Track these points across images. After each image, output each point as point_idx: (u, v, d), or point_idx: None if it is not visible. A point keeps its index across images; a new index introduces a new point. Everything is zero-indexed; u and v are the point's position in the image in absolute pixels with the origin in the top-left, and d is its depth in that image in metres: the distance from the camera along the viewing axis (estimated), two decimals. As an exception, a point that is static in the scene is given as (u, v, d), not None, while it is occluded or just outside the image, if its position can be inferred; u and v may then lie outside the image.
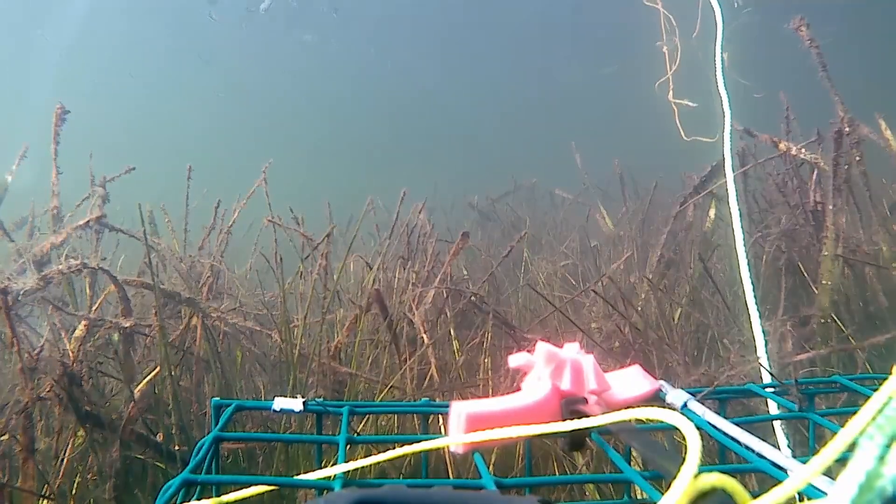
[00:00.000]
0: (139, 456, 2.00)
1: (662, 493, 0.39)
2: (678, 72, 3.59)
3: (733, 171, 1.82)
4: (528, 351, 0.75)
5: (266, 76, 25.24)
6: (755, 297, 1.54)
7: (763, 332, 1.48)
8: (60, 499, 1.82)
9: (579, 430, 0.62)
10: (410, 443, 0.69)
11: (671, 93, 3.53)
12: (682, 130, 3.51)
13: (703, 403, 0.78)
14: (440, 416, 0.96)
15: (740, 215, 1.71)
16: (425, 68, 25.58)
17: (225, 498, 0.62)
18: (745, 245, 1.64)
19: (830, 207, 2.44)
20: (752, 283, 1.57)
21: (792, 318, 2.38)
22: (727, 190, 1.80)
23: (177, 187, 3.25)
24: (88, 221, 2.37)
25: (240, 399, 1.28)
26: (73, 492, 1.88)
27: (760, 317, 1.51)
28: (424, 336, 2.43)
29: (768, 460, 0.66)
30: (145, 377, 2.13)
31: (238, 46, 23.40)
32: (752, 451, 0.68)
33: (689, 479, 0.38)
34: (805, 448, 0.85)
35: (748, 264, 1.59)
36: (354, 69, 25.19)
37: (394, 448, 0.68)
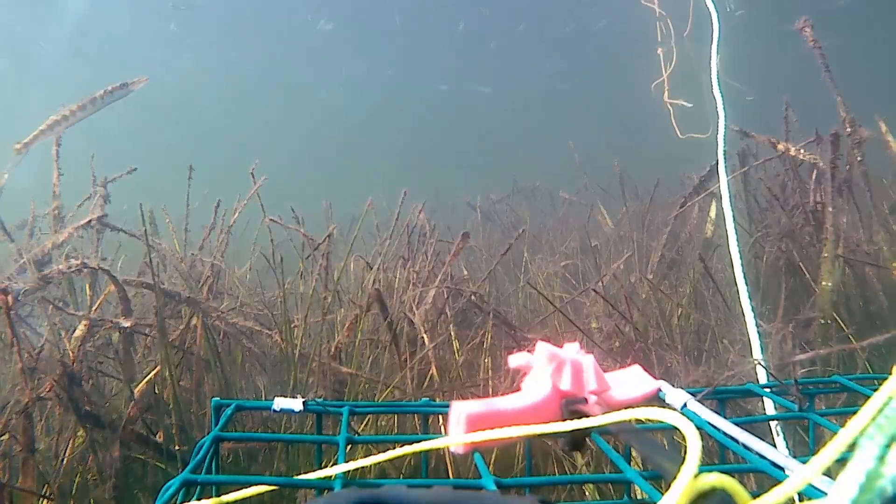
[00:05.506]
0: (139, 456, 2.00)
1: (662, 493, 0.39)
2: (675, 71, 3.59)
3: (727, 174, 1.82)
4: (529, 351, 0.75)
5: (270, 76, 25.26)
6: (750, 297, 1.54)
7: (759, 332, 1.48)
8: (60, 499, 1.82)
9: (579, 430, 0.62)
10: (410, 443, 0.69)
11: (666, 94, 3.53)
12: (679, 130, 3.52)
13: (702, 403, 0.78)
14: (440, 416, 0.96)
15: (734, 215, 1.71)
16: (427, 70, 25.60)
17: (225, 498, 0.62)
18: (738, 245, 1.64)
19: (829, 210, 2.45)
20: (747, 283, 1.57)
21: (793, 319, 2.38)
22: (721, 190, 1.80)
23: (178, 187, 3.25)
24: (90, 221, 2.37)
25: (240, 399, 1.28)
26: (73, 492, 1.88)
27: (757, 317, 1.51)
28: (425, 336, 2.43)
29: (768, 460, 0.66)
30: (145, 377, 2.13)
31: (244, 43, 23.41)
32: (752, 451, 0.68)
33: (688, 479, 0.38)
34: (805, 448, 0.85)
35: (742, 264, 1.59)
36: (357, 69, 25.22)
37: (394, 448, 0.68)
